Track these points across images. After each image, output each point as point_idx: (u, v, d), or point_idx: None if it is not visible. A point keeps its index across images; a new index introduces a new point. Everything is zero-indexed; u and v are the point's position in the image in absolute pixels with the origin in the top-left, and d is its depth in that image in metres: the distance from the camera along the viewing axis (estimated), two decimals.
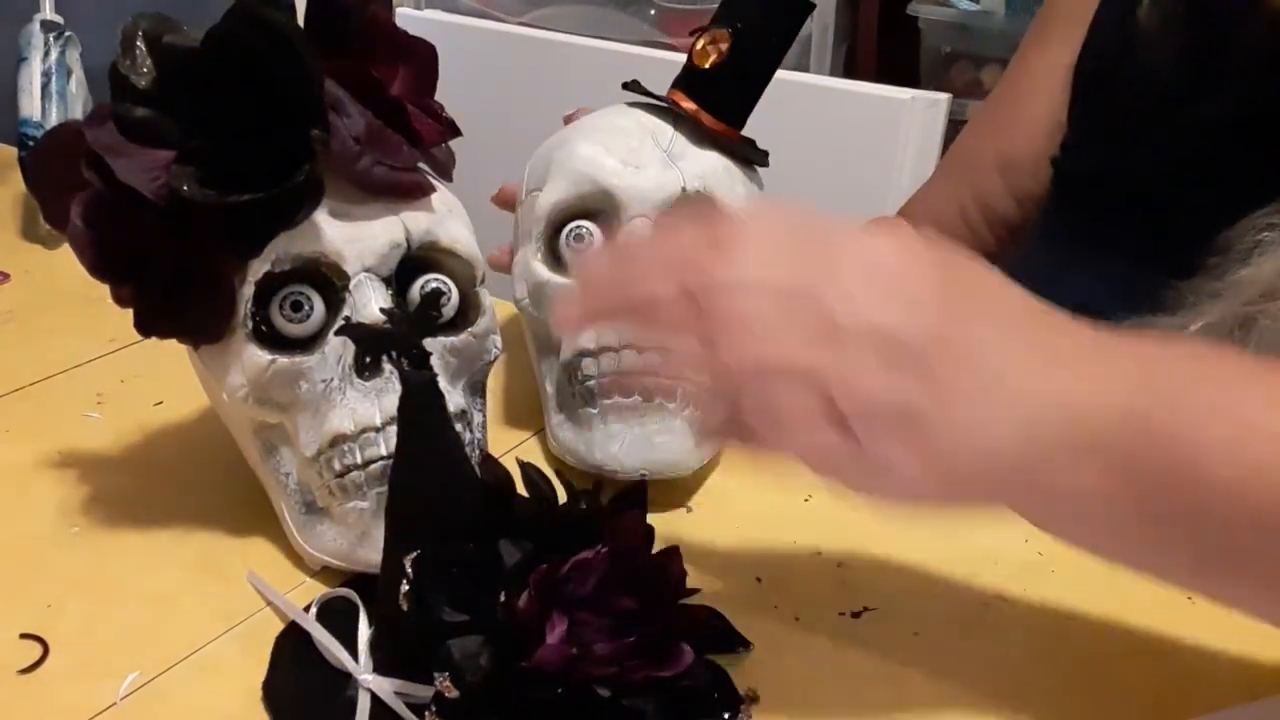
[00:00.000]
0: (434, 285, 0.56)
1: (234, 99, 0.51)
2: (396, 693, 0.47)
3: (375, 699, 0.47)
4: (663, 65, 1.12)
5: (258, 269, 0.53)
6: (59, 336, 0.77)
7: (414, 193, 0.56)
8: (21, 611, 0.52)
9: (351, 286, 0.54)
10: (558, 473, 0.50)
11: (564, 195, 0.63)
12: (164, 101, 0.52)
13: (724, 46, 0.62)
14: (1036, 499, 0.43)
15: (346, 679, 0.48)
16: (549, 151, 0.65)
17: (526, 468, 0.48)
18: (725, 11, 0.63)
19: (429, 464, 0.46)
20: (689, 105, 0.64)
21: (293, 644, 0.51)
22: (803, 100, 1.11)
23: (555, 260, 0.64)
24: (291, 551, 0.57)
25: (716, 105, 0.64)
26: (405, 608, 0.45)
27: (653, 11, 1.95)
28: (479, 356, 0.59)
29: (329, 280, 0.54)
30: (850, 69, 2.04)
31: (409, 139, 0.56)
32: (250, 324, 0.53)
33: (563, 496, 0.47)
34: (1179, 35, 0.78)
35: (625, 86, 0.65)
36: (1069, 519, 0.44)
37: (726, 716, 0.48)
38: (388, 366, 0.54)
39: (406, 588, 0.45)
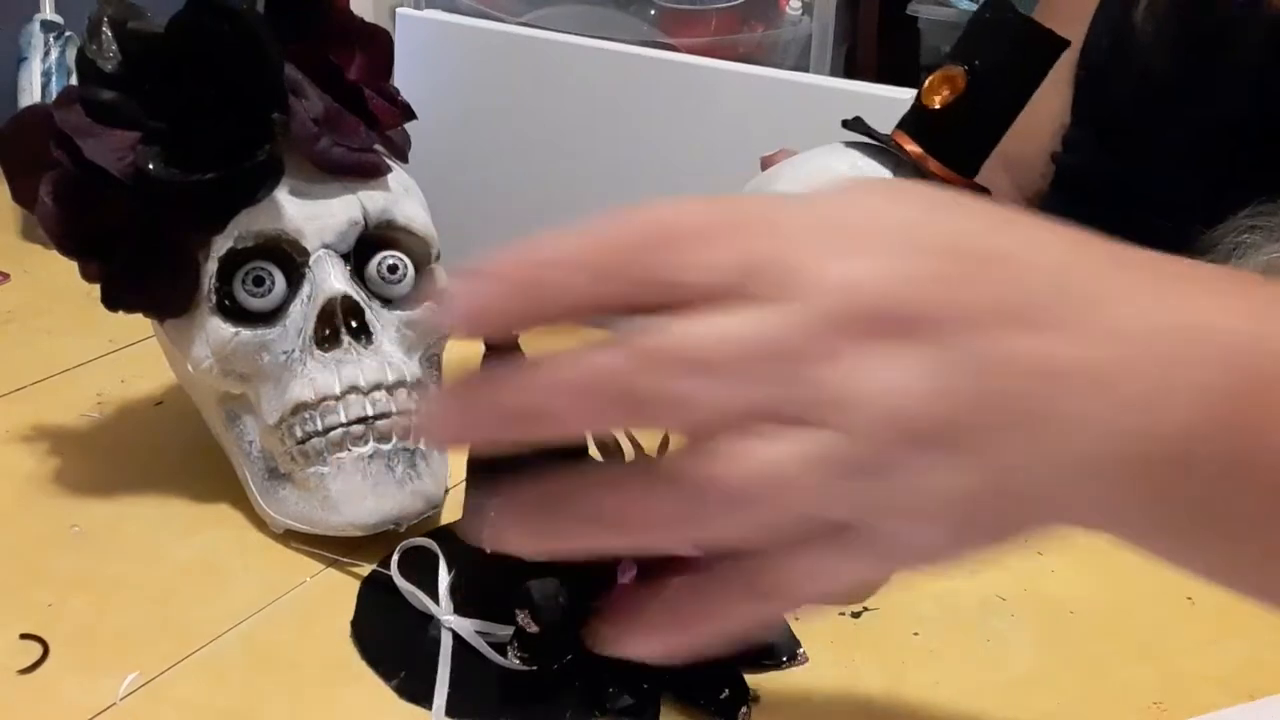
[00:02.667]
0: (391, 261, 0.59)
1: (197, 83, 0.54)
2: (477, 631, 0.50)
3: (457, 637, 0.51)
4: (663, 66, 1.12)
5: (221, 245, 0.55)
6: (59, 336, 0.77)
7: (371, 173, 0.59)
8: (21, 611, 0.52)
9: (311, 262, 0.57)
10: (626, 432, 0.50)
11: None
12: (129, 85, 0.55)
13: (958, 85, 0.56)
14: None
15: (429, 620, 0.52)
16: (755, 191, 0.60)
17: None
18: (963, 47, 0.57)
19: None
20: (913, 149, 0.57)
21: (376, 590, 0.54)
22: (803, 100, 1.11)
23: None
24: (291, 552, 0.57)
25: (945, 150, 0.57)
26: (489, 550, 0.47)
27: (653, 11, 1.95)
28: (435, 330, 0.61)
29: (289, 256, 0.57)
30: (850, 69, 2.03)
31: (366, 121, 0.59)
32: (214, 298, 0.56)
33: (629, 453, 0.49)
34: (1174, 38, 0.78)
35: (845, 125, 0.59)
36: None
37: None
38: (346, 338, 0.57)
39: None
